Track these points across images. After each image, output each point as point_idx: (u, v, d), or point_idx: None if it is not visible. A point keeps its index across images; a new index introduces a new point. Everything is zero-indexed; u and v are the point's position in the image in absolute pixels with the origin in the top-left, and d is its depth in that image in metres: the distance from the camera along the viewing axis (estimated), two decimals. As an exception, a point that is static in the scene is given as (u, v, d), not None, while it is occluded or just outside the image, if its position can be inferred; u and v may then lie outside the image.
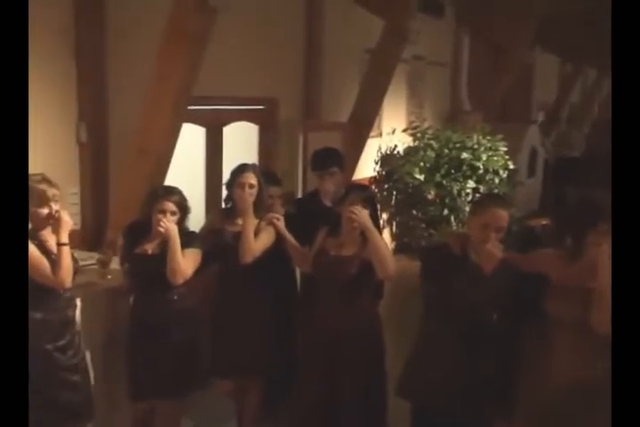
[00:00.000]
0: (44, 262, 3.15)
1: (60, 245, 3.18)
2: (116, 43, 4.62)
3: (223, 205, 4.04)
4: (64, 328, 3.27)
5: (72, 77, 4.49)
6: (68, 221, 3.23)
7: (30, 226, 3.18)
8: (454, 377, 3.11)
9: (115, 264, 3.97)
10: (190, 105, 4.43)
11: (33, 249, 3.14)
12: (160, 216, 3.50)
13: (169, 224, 3.48)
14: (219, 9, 3.95)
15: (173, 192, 3.59)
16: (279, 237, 3.82)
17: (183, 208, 3.59)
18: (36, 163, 3.96)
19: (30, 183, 3.15)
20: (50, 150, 4.38)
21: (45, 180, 3.21)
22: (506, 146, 8.49)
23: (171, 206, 3.53)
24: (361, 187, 3.98)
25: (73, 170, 4.59)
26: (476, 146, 8.24)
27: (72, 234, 3.32)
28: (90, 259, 4.16)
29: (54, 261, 3.16)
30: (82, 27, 4.45)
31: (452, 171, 8.08)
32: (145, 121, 4.25)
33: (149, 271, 3.56)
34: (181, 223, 3.58)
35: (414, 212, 8.19)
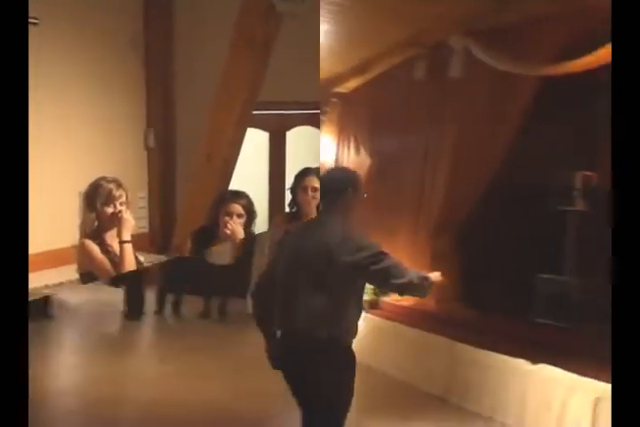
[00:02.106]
0: (105, 261, 3.17)
1: (121, 242, 3.21)
2: (183, 51, 4.72)
3: (287, 210, 4.07)
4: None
5: (141, 86, 4.61)
6: (130, 220, 3.22)
7: (96, 224, 3.23)
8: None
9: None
10: (254, 110, 4.48)
11: (95, 248, 3.17)
12: (227, 219, 3.55)
13: (235, 226, 3.53)
14: (285, 15, 3.98)
15: (241, 196, 3.64)
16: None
17: (250, 212, 3.64)
18: (106, 168, 4.09)
19: (101, 182, 3.22)
20: (119, 156, 4.51)
21: (115, 181, 3.26)
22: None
23: (238, 209, 3.58)
24: None
25: (141, 175, 4.71)
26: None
27: (140, 237, 3.39)
28: (157, 261, 4.24)
29: (116, 263, 3.19)
30: (151, 36, 4.58)
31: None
32: (211, 127, 4.32)
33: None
34: (248, 227, 3.63)
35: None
